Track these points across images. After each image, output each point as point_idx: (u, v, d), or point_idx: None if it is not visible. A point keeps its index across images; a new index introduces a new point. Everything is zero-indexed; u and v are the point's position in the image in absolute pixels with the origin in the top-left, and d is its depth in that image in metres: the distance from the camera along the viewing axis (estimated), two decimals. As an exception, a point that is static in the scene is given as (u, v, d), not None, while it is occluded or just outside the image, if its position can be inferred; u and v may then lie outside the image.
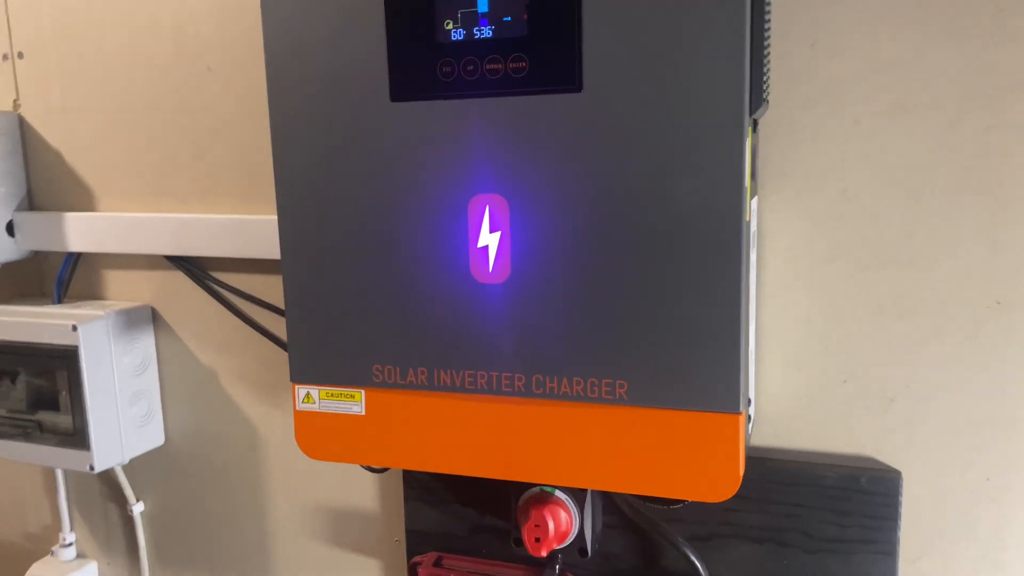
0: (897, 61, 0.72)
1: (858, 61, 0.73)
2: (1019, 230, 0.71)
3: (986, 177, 0.72)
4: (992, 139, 0.71)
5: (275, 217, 0.93)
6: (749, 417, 0.72)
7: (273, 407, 1.03)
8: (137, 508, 1.11)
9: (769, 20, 0.71)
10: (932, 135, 0.72)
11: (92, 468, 0.98)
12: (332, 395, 0.78)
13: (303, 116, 0.73)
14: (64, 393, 0.97)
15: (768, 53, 0.71)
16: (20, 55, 1.05)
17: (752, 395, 0.77)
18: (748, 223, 0.65)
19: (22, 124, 1.07)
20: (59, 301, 1.06)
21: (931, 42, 0.71)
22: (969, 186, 0.72)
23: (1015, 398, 0.74)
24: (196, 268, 1.01)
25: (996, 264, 0.73)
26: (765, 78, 0.70)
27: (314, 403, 0.79)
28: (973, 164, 0.72)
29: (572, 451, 0.70)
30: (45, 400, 0.99)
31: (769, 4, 0.71)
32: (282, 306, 0.97)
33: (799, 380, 0.80)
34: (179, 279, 1.03)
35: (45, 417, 0.99)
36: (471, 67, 0.68)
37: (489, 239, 0.70)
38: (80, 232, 1.03)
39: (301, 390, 0.79)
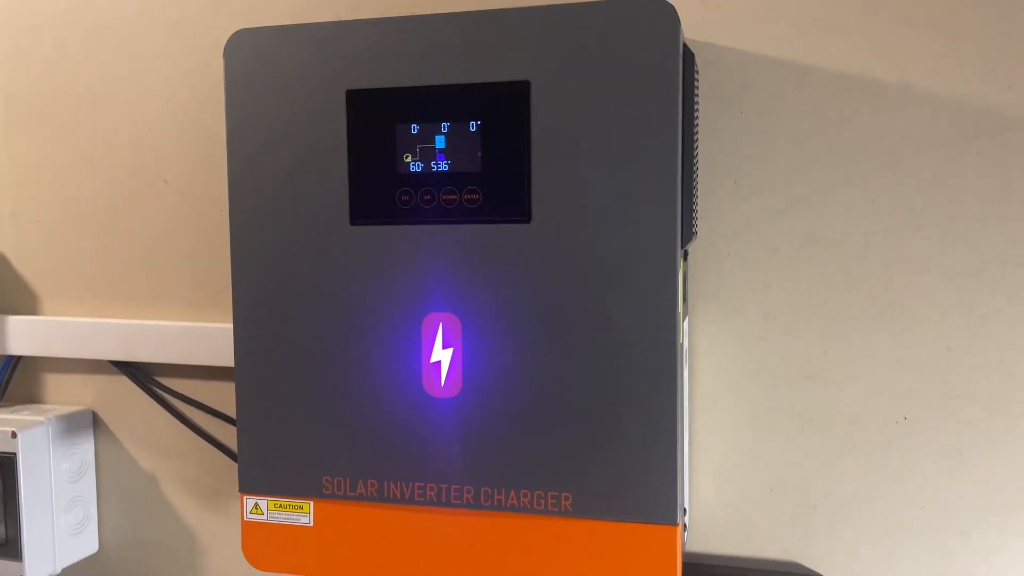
0: (809, 198, 0.81)
1: (776, 197, 0.82)
2: (920, 352, 0.79)
3: (890, 303, 0.80)
4: (893, 270, 0.79)
5: (223, 325, 0.96)
6: (685, 526, 0.76)
7: (214, 514, 1.02)
8: (62, 620, 1.07)
9: (697, 161, 0.79)
10: (842, 265, 0.81)
11: (21, 580, 0.95)
12: (281, 506, 0.79)
13: (263, 234, 0.77)
14: (-2, 501, 0.95)
15: (696, 190, 0.79)
16: (-29, 159, 1.07)
17: (687, 504, 0.82)
18: (681, 344, 0.71)
19: (-33, 227, 1.07)
20: (-5, 405, 1.04)
21: (837, 184, 0.80)
22: (876, 311, 0.80)
23: (923, 506, 0.80)
24: (141, 373, 1.02)
25: (901, 383, 0.80)
26: (694, 213, 0.77)
27: (262, 514, 0.80)
28: (878, 291, 0.80)
29: (518, 562, 0.73)
30: (-24, 509, 0.97)
31: (697, 148, 0.79)
32: (227, 413, 0.99)
33: (729, 489, 0.85)
34: (122, 383, 1.03)
35: (-25, 526, 0.97)
36: (428, 196, 0.73)
37: (442, 355, 0.74)
38: (22, 336, 1.03)
39: (249, 501, 0.80)
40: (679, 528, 0.70)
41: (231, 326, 0.79)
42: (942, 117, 0.77)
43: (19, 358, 1.06)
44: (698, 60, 0.81)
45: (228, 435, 0.99)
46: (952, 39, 0.77)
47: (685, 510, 0.77)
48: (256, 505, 0.80)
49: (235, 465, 0.97)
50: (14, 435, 0.93)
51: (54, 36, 1.02)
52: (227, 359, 0.93)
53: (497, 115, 0.71)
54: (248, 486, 0.79)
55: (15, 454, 0.93)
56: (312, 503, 0.78)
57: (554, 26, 0.69)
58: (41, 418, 0.98)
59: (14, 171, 1.05)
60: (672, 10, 0.67)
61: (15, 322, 1.03)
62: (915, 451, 0.80)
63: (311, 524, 0.78)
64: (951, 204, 0.78)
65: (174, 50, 0.98)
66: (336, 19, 0.90)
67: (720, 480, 0.85)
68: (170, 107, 0.99)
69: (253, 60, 0.76)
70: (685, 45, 0.70)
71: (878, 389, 0.80)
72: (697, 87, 0.77)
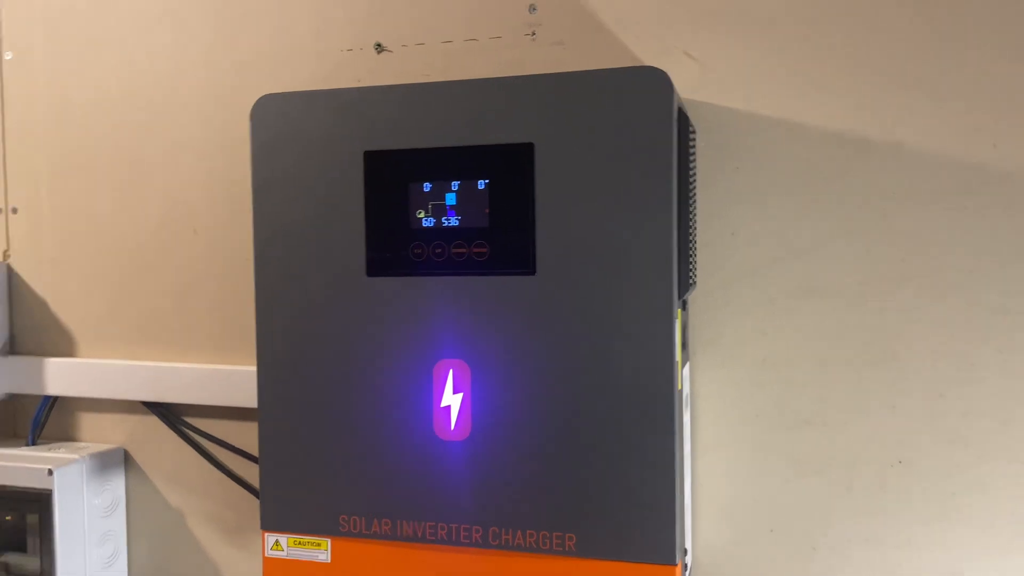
0: (804, 250, 0.84)
1: (772, 248, 0.85)
2: (914, 398, 0.82)
3: (883, 351, 0.83)
4: (886, 319, 0.82)
5: (248, 368, 1.00)
6: (686, 566, 0.79)
7: (238, 549, 1.06)
8: (92, 651, 1.11)
9: (694, 215, 0.83)
10: (836, 314, 0.84)
11: (54, 612, 0.99)
12: (300, 543, 0.83)
13: (286, 285, 0.82)
14: (34, 535, 1.00)
15: (694, 242, 0.83)
16: (14, 210, 1.13)
17: (688, 545, 0.84)
18: (680, 391, 0.75)
19: (10, 273, 1.14)
20: (33, 442, 1.10)
21: (831, 236, 0.84)
22: (870, 358, 0.83)
23: (921, 548, 0.82)
24: (170, 413, 1.07)
25: (896, 427, 0.83)
26: (692, 264, 0.81)
27: (282, 550, 0.84)
28: (872, 339, 0.83)
29: (524, 599, 0.76)
30: (13, 542, 1.02)
31: (694, 202, 0.83)
32: (252, 452, 1.03)
33: (730, 530, 0.88)
34: (153, 423, 1.08)
35: (12, 559, 1.01)
36: (439, 250, 0.78)
37: (452, 400, 0.78)
38: (59, 377, 1.08)
39: (270, 537, 0.84)
40: (678, 568, 0.73)
41: (255, 369, 0.83)
42: (930, 173, 0.81)
43: (56, 398, 1.12)
44: (696, 119, 0.86)
45: (252, 473, 1.04)
46: (939, 99, 0.80)
47: (686, 550, 0.80)
48: (277, 542, 0.84)
49: (258, 502, 1.01)
50: (50, 472, 0.99)
51: (94, 96, 1.09)
52: (252, 400, 0.97)
53: (503, 174, 0.76)
54: (269, 523, 0.84)
55: (51, 491, 0.98)
56: (330, 540, 0.82)
57: (556, 93, 0.74)
58: (76, 456, 1.03)
59: (56, 221, 1.12)
60: (665, 77, 0.71)
61: (52, 364, 1.09)
62: (910, 494, 0.82)
63: (329, 560, 0.82)
64: (940, 256, 0.81)
65: (205, 110, 1.04)
66: (356, 81, 0.96)
67: (722, 521, 0.88)
68: (200, 163, 1.05)
69: (278, 123, 0.82)
70: (680, 107, 0.74)
71: (873, 434, 0.83)
72: (693, 146, 0.81)
